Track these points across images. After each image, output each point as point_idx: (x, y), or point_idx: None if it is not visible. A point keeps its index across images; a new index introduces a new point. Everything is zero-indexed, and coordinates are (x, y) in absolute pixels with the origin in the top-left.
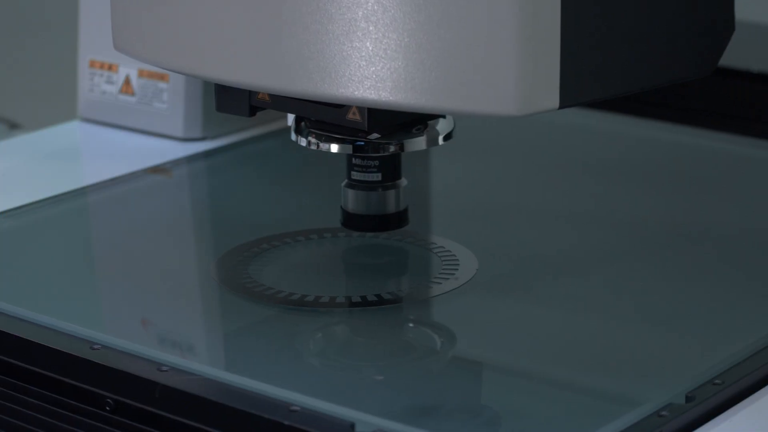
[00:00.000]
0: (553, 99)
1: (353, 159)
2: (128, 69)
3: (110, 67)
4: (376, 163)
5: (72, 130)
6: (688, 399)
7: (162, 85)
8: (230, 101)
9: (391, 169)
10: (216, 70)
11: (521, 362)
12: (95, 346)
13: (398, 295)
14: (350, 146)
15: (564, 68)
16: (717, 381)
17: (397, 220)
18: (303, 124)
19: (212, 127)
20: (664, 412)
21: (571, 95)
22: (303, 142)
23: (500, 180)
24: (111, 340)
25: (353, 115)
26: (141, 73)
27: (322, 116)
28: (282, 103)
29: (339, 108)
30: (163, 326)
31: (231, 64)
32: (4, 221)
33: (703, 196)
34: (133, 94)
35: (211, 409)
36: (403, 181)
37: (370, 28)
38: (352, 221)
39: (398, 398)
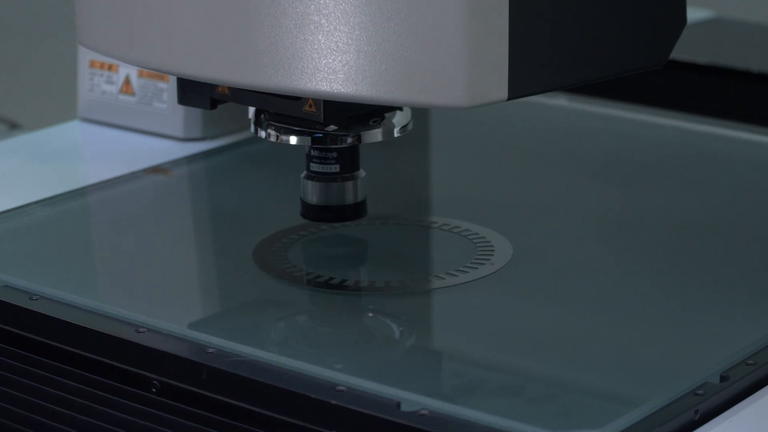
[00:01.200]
0: (502, 90)
1: (312, 151)
2: (128, 69)
3: (110, 67)
4: (334, 154)
5: (72, 130)
6: (723, 378)
7: (162, 85)
8: (192, 94)
9: (349, 161)
10: (175, 64)
11: (558, 346)
12: (140, 329)
13: (438, 280)
14: (309, 138)
15: (513, 60)
16: (750, 361)
17: (356, 211)
18: (263, 116)
19: (212, 127)
20: (700, 391)
21: (520, 86)
22: (262, 134)
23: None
24: (156, 323)
25: (309, 108)
26: (141, 73)
27: (280, 109)
28: (241, 95)
29: (296, 100)
30: (206, 311)
31: (189, 57)
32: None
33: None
34: (133, 94)
35: (259, 390)
36: (361, 173)
37: (322, 21)
38: (311, 212)
39: (441, 378)
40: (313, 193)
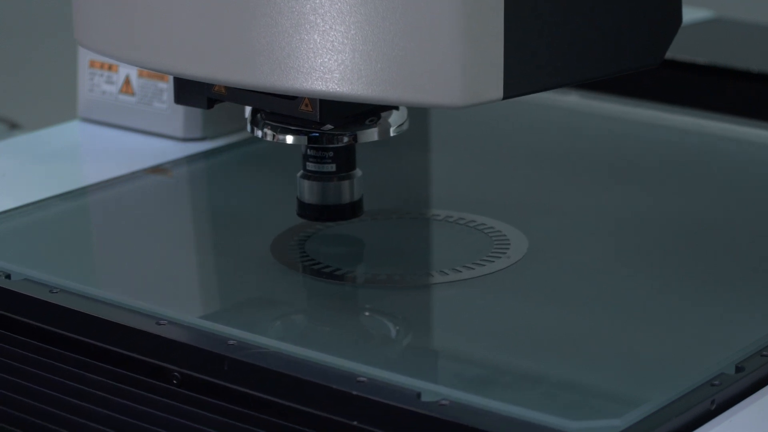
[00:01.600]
0: (497, 90)
1: (308, 150)
2: (128, 69)
3: (110, 67)
4: (331, 154)
5: (72, 130)
6: (738, 369)
7: (162, 85)
8: (189, 94)
9: (345, 160)
10: (171, 63)
11: (575, 338)
12: (161, 322)
13: (454, 273)
14: (305, 137)
15: (507, 59)
16: (765, 353)
17: (352, 210)
18: (259, 115)
19: (212, 127)
20: (716, 382)
21: (515, 86)
22: (259, 133)
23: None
24: (176, 315)
25: (305, 107)
26: (141, 73)
27: (276, 108)
28: (237, 95)
29: (292, 100)
30: (223, 304)
31: (185, 57)
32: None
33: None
34: (133, 94)
35: (280, 381)
36: (358, 172)
37: (318, 20)
38: (307, 211)
39: (461, 369)
40: (309, 192)
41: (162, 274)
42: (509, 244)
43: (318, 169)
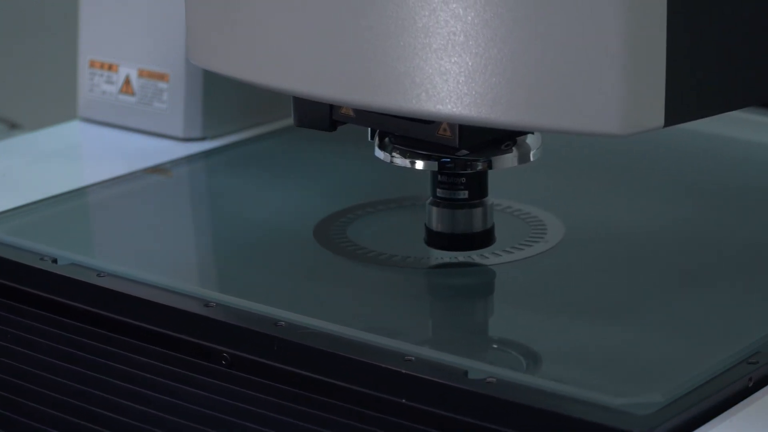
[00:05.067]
0: (658, 117)
1: (438, 176)
2: (128, 69)
3: (110, 67)
4: (463, 180)
5: (72, 130)
6: None
7: (162, 85)
8: (310, 116)
9: (478, 187)
10: (307, 85)
11: (617, 316)
12: (210, 304)
13: (494, 257)
14: (436, 163)
15: (669, 85)
16: None
17: (483, 239)
18: (387, 139)
19: (212, 127)
20: (753, 360)
21: (676, 113)
22: (387, 158)
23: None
24: (224, 298)
25: (443, 132)
26: (141, 73)
27: (410, 132)
28: (367, 117)
29: (428, 124)
30: (271, 287)
31: (320, 78)
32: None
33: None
34: (133, 94)
35: (329, 361)
36: (489, 199)
37: (470, 43)
38: (436, 240)
39: (506, 348)
40: (438, 220)
41: (200, 259)
42: (546, 229)
43: (449, 196)
